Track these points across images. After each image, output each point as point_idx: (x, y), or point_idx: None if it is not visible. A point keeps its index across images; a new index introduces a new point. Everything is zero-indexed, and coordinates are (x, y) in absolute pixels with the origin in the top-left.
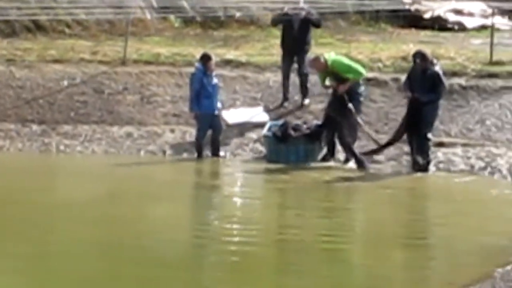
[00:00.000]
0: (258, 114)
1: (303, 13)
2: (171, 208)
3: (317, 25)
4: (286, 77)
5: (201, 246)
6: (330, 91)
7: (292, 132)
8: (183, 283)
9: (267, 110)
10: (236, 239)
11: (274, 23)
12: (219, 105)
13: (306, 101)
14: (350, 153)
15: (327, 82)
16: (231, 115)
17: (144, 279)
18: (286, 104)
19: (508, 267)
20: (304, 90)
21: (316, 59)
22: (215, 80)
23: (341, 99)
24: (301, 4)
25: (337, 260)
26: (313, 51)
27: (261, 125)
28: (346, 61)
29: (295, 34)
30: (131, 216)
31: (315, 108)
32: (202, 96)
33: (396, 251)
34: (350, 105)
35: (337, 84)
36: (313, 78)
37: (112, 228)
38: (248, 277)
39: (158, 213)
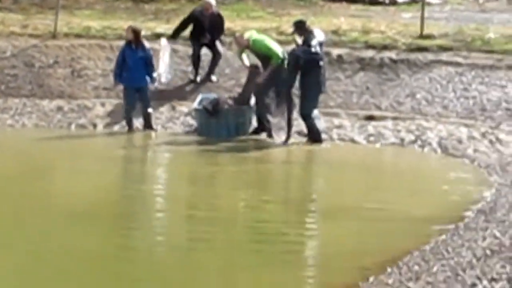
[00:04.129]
0: (164, 47)
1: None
2: (93, 182)
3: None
4: (197, 61)
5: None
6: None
7: (223, 106)
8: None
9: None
10: (154, 209)
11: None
12: (155, 76)
13: (214, 77)
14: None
15: (246, 62)
16: (163, 74)
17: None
18: (198, 78)
19: (438, 239)
20: (213, 67)
21: (241, 36)
22: (140, 54)
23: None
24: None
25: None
26: (244, 25)
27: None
28: (266, 42)
29: (206, 27)
30: (54, 190)
31: (229, 85)
32: (124, 70)
33: (323, 223)
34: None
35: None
36: (223, 54)
37: (33, 202)
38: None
39: (79, 188)
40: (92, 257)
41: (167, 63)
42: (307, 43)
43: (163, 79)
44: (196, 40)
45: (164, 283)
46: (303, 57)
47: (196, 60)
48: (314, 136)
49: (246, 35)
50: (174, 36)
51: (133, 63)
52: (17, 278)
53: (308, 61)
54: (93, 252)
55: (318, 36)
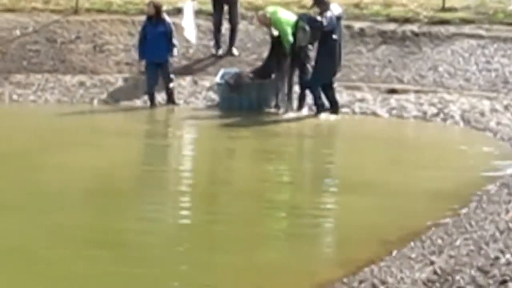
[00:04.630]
0: (188, 5)
1: None
2: (114, 157)
3: None
4: (218, 28)
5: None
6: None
7: (245, 80)
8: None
9: None
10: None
11: None
12: (175, 52)
13: (235, 50)
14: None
15: (274, 33)
16: (191, 35)
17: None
18: (220, 52)
19: (461, 213)
20: (233, 40)
21: (263, 14)
22: (160, 29)
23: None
24: None
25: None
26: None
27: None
28: (284, 25)
29: None
30: (75, 165)
31: (251, 59)
32: (145, 45)
33: (339, 195)
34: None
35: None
36: (245, 28)
37: (53, 177)
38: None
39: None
40: (109, 231)
41: (193, 23)
42: (320, 15)
43: (194, 40)
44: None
45: (184, 256)
46: (307, 26)
47: (217, 30)
48: (317, 107)
49: (270, 9)
50: None
51: (154, 38)
52: (35, 253)
53: (313, 30)
54: (110, 227)
55: (335, 10)
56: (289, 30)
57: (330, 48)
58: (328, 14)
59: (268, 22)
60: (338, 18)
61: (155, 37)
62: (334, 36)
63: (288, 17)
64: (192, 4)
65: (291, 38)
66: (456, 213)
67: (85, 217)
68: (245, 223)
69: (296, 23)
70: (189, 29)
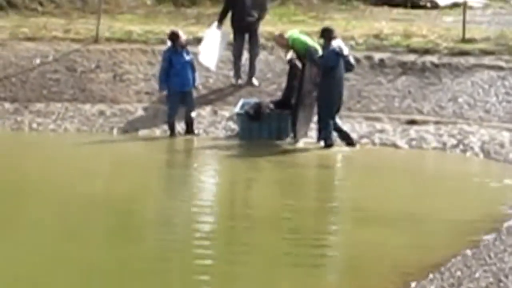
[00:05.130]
0: (215, 33)
1: None
2: (134, 187)
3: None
4: (238, 57)
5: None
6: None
7: (265, 110)
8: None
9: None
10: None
11: (230, 2)
12: (197, 80)
13: (255, 80)
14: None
15: (288, 56)
16: (210, 62)
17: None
18: (240, 82)
19: (481, 245)
20: (253, 69)
21: (280, 35)
22: (186, 58)
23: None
24: None
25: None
26: (286, 29)
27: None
28: (307, 41)
29: (248, 12)
30: (101, 194)
31: (271, 89)
32: (171, 74)
33: (366, 226)
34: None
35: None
36: (265, 58)
37: (79, 206)
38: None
39: (127, 192)
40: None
41: (217, 51)
42: (323, 49)
43: (212, 67)
44: (238, 26)
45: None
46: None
47: (237, 60)
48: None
49: (288, 34)
50: (220, 21)
51: (182, 67)
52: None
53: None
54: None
55: (338, 46)
56: (310, 43)
57: (329, 84)
58: (331, 48)
59: (285, 42)
60: (339, 54)
61: (183, 66)
62: (334, 72)
63: (307, 39)
64: (219, 33)
65: (317, 48)
66: (475, 245)
67: (100, 249)
68: (266, 255)
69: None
70: (208, 55)
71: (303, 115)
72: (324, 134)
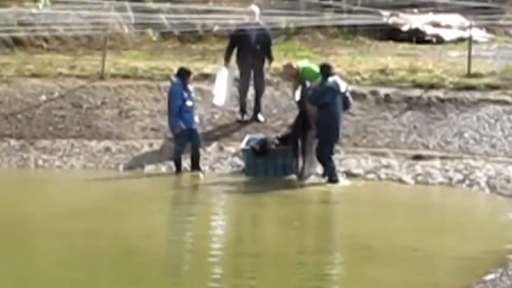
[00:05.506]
0: (223, 72)
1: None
2: (140, 224)
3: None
4: (244, 93)
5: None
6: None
7: (271, 146)
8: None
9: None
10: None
11: (234, 40)
12: (196, 119)
13: (261, 116)
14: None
15: (296, 97)
16: (220, 100)
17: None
18: (245, 117)
19: (487, 280)
20: (259, 105)
21: (288, 65)
22: (193, 95)
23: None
24: (257, 19)
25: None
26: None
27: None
28: (316, 70)
29: (253, 48)
30: (108, 231)
31: (277, 124)
32: (182, 111)
33: (372, 262)
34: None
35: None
36: (270, 94)
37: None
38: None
39: (133, 228)
40: None
41: (226, 88)
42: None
43: (221, 103)
44: (243, 62)
45: None
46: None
47: (243, 96)
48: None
49: (297, 64)
50: (227, 60)
51: (191, 104)
52: None
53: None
54: None
55: (335, 83)
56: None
57: (325, 119)
58: (326, 84)
59: (294, 72)
60: (335, 91)
61: (193, 103)
62: (329, 108)
63: (317, 69)
64: (227, 70)
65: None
66: (482, 280)
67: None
68: None
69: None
70: (219, 95)
71: (309, 154)
72: (328, 170)
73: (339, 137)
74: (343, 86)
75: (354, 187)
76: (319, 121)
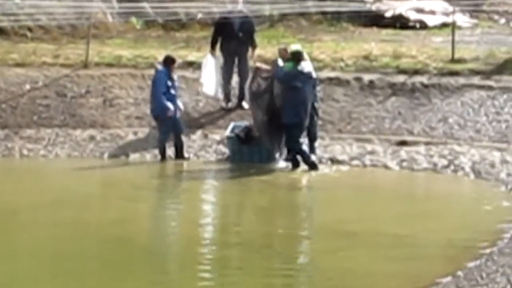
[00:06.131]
0: (209, 60)
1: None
2: (125, 212)
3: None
4: (228, 80)
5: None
6: None
7: (255, 133)
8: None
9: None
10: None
11: (218, 27)
12: (181, 106)
13: (245, 104)
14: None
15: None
16: (210, 89)
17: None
18: (229, 105)
19: (472, 265)
20: (243, 92)
21: (286, 49)
22: (177, 82)
23: None
24: (240, 7)
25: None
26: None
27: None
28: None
29: (236, 36)
30: (94, 220)
31: None
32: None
33: (356, 248)
34: None
35: None
36: None
37: (65, 231)
38: None
39: (119, 216)
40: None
41: (215, 77)
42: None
43: (212, 93)
44: (227, 50)
45: None
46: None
47: (227, 83)
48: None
49: (292, 47)
50: (212, 48)
51: (175, 92)
52: None
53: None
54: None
55: (303, 67)
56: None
57: (291, 102)
58: (298, 68)
59: (287, 56)
60: (307, 76)
61: (176, 91)
62: (297, 92)
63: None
64: (214, 59)
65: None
66: (467, 266)
67: (92, 278)
68: (258, 278)
69: None
70: (208, 84)
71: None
72: (295, 155)
73: (304, 121)
74: (312, 73)
75: (339, 173)
76: (287, 104)
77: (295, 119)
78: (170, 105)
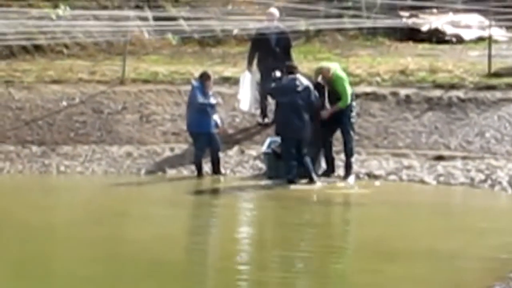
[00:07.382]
0: (246, 76)
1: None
2: (162, 228)
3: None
4: (265, 96)
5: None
6: None
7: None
8: None
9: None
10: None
11: (255, 42)
12: (218, 121)
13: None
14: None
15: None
16: (245, 105)
17: None
18: (266, 120)
19: (510, 280)
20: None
21: (327, 69)
22: (212, 99)
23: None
24: (275, 23)
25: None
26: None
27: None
28: (345, 82)
29: (273, 51)
30: (130, 237)
31: None
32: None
33: (395, 264)
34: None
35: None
36: None
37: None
38: None
39: (156, 233)
40: None
41: (250, 93)
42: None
43: (246, 108)
44: (264, 66)
45: None
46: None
47: (263, 99)
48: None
49: (332, 66)
50: (249, 64)
51: (210, 109)
52: None
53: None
54: None
55: (299, 80)
56: (348, 89)
57: (279, 117)
58: (284, 81)
59: (329, 76)
60: (292, 90)
61: (210, 108)
62: (285, 104)
63: (344, 75)
64: (250, 75)
65: (349, 98)
66: (503, 281)
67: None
68: None
69: None
70: (245, 100)
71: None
72: (289, 168)
73: (297, 134)
74: (303, 86)
75: (377, 188)
76: (276, 118)
77: (283, 133)
78: (214, 119)
